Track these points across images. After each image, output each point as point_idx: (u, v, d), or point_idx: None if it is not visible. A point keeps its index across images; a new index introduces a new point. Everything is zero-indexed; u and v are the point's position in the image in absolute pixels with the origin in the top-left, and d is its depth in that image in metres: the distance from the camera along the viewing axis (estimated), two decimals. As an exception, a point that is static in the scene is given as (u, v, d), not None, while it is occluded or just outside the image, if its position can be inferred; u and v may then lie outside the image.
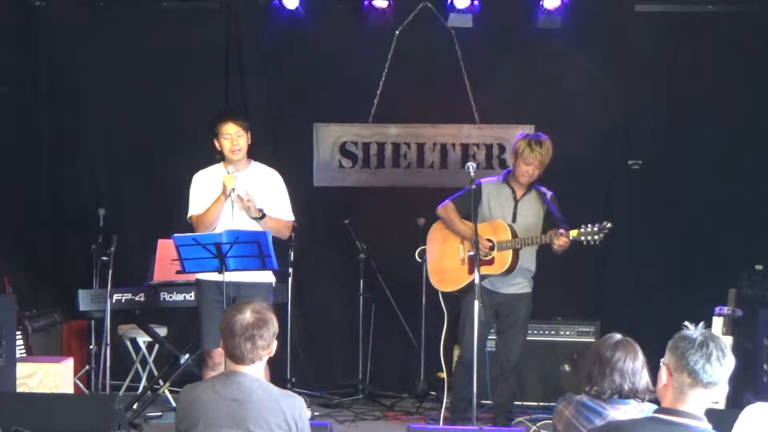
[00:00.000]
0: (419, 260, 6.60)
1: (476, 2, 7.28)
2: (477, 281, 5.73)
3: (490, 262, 6.10)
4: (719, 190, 7.32)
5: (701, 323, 3.03)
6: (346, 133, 7.81)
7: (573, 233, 5.85)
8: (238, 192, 5.74)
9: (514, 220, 6.15)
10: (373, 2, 7.31)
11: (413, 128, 7.77)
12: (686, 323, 3.03)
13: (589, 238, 5.83)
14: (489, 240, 6.09)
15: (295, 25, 7.51)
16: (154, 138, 7.75)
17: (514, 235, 6.06)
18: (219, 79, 7.73)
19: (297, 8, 7.41)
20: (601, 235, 5.81)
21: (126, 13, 7.73)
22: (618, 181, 7.57)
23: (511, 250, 6.04)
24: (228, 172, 5.76)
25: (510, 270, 6.08)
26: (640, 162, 7.47)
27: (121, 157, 7.85)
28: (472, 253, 6.07)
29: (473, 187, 6.00)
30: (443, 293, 6.39)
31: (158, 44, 7.69)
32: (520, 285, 6.21)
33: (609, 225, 5.80)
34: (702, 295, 6.61)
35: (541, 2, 7.23)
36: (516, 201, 6.19)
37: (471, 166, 6.02)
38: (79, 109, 7.86)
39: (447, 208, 6.33)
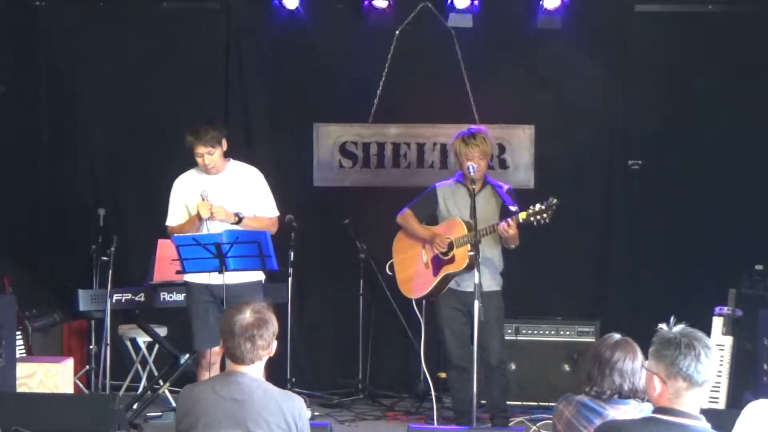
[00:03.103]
0: (390, 273, 6.57)
1: (476, 2, 7.28)
2: (477, 281, 5.71)
3: (452, 261, 6.10)
4: (719, 191, 7.32)
5: (672, 319, 3.03)
6: (346, 133, 7.80)
7: (522, 215, 5.80)
8: (209, 200, 5.75)
9: (472, 217, 6.14)
10: (373, 2, 7.31)
11: (413, 128, 7.77)
12: (661, 325, 3.02)
13: (538, 217, 5.75)
14: (447, 238, 6.10)
15: (295, 25, 7.51)
16: (154, 138, 7.75)
17: (470, 229, 6.01)
18: (219, 79, 7.73)
19: (297, 8, 7.40)
20: (549, 212, 5.73)
21: (126, 13, 7.73)
22: (618, 181, 7.57)
23: (468, 245, 5.98)
24: (202, 198, 5.75)
25: (471, 265, 5.93)
26: (640, 162, 7.46)
27: (121, 157, 7.85)
28: (435, 254, 6.14)
29: (473, 187, 6.01)
30: (416, 301, 6.43)
31: (158, 44, 7.70)
32: (487, 282, 6.05)
33: (555, 201, 5.72)
34: (702, 295, 6.61)
35: (541, 2, 7.22)
36: (472, 198, 6.16)
37: (471, 166, 6.02)
38: (79, 109, 7.87)
39: (405, 216, 6.36)
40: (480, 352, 5.86)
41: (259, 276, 5.94)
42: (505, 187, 6.25)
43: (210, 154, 5.78)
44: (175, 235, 5.75)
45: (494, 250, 6.19)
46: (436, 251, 6.16)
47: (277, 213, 6.04)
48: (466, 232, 6.01)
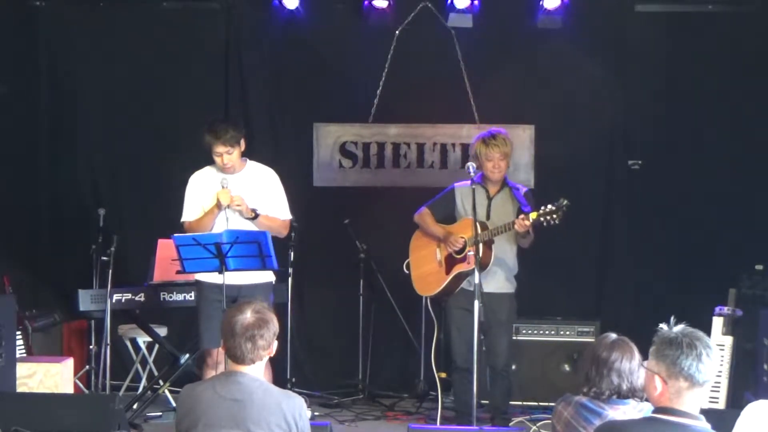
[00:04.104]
0: (407, 271, 6.59)
1: (476, 2, 7.27)
2: (477, 281, 5.73)
3: (464, 260, 6.11)
4: (719, 190, 7.31)
5: (672, 319, 3.04)
6: (346, 133, 7.80)
7: (532, 215, 5.82)
8: (232, 194, 5.76)
9: (488, 217, 6.15)
10: (373, 2, 7.31)
11: (413, 128, 7.77)
12: (661, 325, 3.03)
13: (548, 218, 5.77)
14: (461, 237, 6.11)
15: (295, 25, 7.51)
16: (154, 138, 7.75)
17: (484, 228, 6.04)
18: (219, 79, 7.73)
19: (297, 8, 7.41)
20: (560, 213, 5.74)
21: (126, 13, 7.73)
22: (618, 181, 7.57)
23: (481, 244, 6.00)
24: (222, 186, 5.76)
25: (483, 264, 5.97)
26: (640, 162, 7.47)
27: (121, 157, 7.85)
28: (449, 253, 6.14)
29: (473, 186, 6.01)
30: (431, 299, 6.43)
31: (158, 44, 7.70)
32: (500, 283, 6.15)
33: (566, 202, 5.73)
34: (702, 295, 6.61)
35: (541, 2, 7.22)
36: (489, 200, 6.18)
37: (471, 166, 6.04)
38: (79, 109, 7.87)
39: (423, 214, 6.38)
40: (486, 354, 5.90)
41: (270, 277, 5.94)
42: (523, 189, 6.27)
43: (229, 154, 5.79)
44: (176, 235, 5.74)
45: (509, 251, 6.20)
46: (449, 250, 6.17)
47: (290, 216, 6.05)
48: (480, 231, 6.03)
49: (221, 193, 5.74)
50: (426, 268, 6.38)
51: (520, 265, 6.38)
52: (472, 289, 6.09)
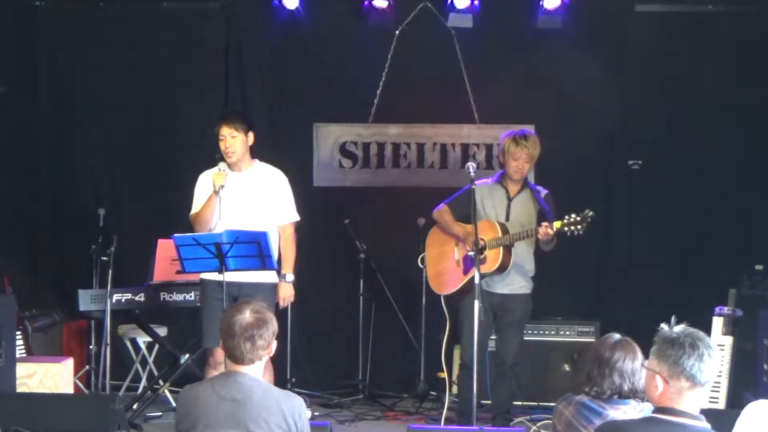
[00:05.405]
0: (421, 266, 6.59)
1: (476, 2, 7.28)
2: (477, 281, 5.72)
3: (483, 261, 6.09)
4: (719, 190, 7.32)
5: (673, 319, 3.04)
6: (346, 133, 7.81)
7: (556, 224, 5.80)
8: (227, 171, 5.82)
9: (507, 218, 6.15)
10: (373, 2, 7.31)
11: (413, 128, 7.77)
12: (662, 325, 3.03)
13: (572, 228, 5.75)
14: (481, 239, 6.10)
15: (295, 25, 7.51)
16: (154, 138, 7.76)
17: (504, 232, 6.04)
18: (219, 79, 7.73)
19: (297, 8, 7.41)
20: (584, 224, 5.73)
21: (126, 13, 7.74)
22: (618, 181, 7.57)
23: (501, 248, 6.02)
24: (219, 169, 5.79)
25: (502, 267, 6.02)
26: (640, 162, 7.47)
27: (121, 157, 7.85)
28: (467, 253, 6.11)
29: (473, 186, 6.01)
30: (444, 297, 6.42)
31: (158, 44, 7.71)
32: (517, 285, 6.16)
33: (591, 213, 5.72)
34: (702, 295, 6.62)
35: (541, 2, 7.23)
36: (509, 200, 6.19)
37: (471, 166, 6.02)
38: (79, 109, 7.87)
39: (441, 212, 6.35)
40: (495, 351, 5.89)
41: (273, 278, 5.93)
42: (543, 192, 6.24)
43: (232, 137, 5.83)
44: (176, 235, 5.74)
45: (527, 253, 6.19)
46: (468, 250, 6.15)
47: (296, 217, 6.05)
48: (499, 233, 6.02)
49: (216, 175, 5.79)
50: (443, 266, 6.36)
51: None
52: (489, 290, 6.11)
